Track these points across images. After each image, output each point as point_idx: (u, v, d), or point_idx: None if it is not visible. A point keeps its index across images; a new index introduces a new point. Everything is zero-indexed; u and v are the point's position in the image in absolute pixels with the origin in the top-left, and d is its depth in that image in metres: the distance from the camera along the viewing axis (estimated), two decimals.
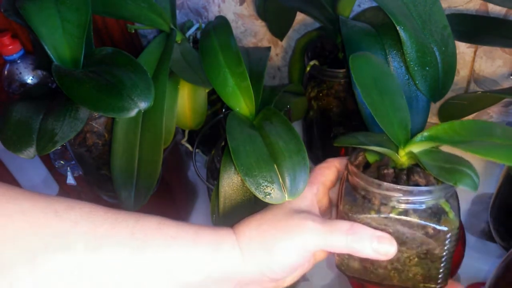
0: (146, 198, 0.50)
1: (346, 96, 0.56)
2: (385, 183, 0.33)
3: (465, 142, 0.32)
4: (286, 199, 0.38)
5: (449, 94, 0.49)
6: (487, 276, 0.44)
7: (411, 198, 0.33)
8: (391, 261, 0.35)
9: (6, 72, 0.62)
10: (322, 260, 0.38)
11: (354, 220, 0.34)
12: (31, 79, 0.62)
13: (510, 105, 0.64)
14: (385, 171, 0.35)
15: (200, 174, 0.51)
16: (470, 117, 0.67)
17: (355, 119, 0.57)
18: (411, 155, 0.35)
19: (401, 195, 0.33)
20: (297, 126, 0.66)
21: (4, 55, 0.60)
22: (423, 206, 0.33)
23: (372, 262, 0.36)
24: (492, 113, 0.66)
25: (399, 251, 0.33)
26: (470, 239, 0.50)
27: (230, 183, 0.43)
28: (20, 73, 0.61)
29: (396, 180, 0.34)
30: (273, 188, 0.38)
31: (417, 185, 0.34)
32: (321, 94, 0.57)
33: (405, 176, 0.35)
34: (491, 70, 0.62)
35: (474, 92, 0.64)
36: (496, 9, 0.57)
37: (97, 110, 0.46)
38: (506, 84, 0.62)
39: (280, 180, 0.38)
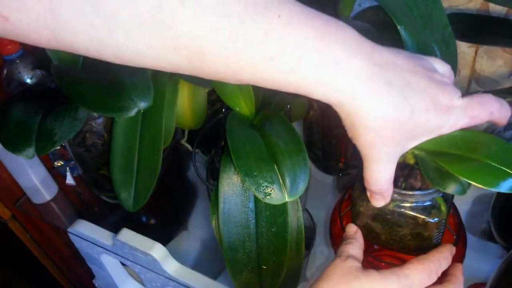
0: (145, 198, 0.50)
1: None
2: None
3: (454, 158, 0.33)
4: (286, 199, 0.38)
5: None
6: (488, 276, 0.44)
7: (406, 199, 0.38)
8: (390, 235, 0.40)
9: (5, 72, 0.62)
10: (322, 261, 0.38)
11: (361, 205, 0.40)
12: (30, 79, 0.62)
13: (510, 105, 0.64)
14: None
15: (200, 174, 0.51)
16: None
17: None
18: (415, 154, 0.37)
19: (397, 195, 0.38)
20: (297, 126, 0.65)
21: (3, 54, 0.60)
22: (418, 204, 0.38)
23: (377, 232, 0.42)
24: None
25: (396, 230, 0.38)
26: (471, 239, 0.50)
27: (230, 183, 0.43)
28: (19, 72, 0.61)
29: (395, 181, 0.36)
30: (273, 188, 0.38)
31: (414, 186, 0.38)
32: None
33: (402, 178, 0.38)
34: (492, 69, 0.61)
35: (475, 92, 0.64)
36: (497, 9, 0.57)
37: (96, 110, 0.46)
38: (507, 84, 0.62)
39: (280, 180, 0.38)
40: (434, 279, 0.35)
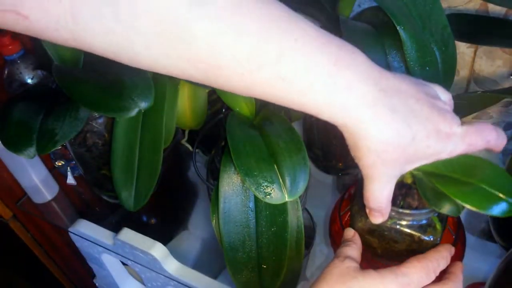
0: (146, 198, 0.50)
1: None
2: None
3: (450, 180, 0.35)
4: (286, 199, 0.38)
5: None
6: (487, 276, 0.44)
7: (403, 217, 0.40)
8: (387, 250, 0.41)
9: (6, 72, 0.62)
10: (321, 260, 0.38)
11: (359, 220, 0.41)
12: (32, 79, 0.62)
13: (510, 105, 0.64)
14: None
15: (200, 174, 0.51)
16: (470, 117, 0.67)
17: None
18: (413, 174, 0.38)
19: (395, 213, 0.40)
20: (297, 126, 0.66)
21: (5, 55, 0.60)
22: (414, 222, 0.40)
23: (374, 247, 0.42)
24: (492, 113, 0.66)
25: (392, 246, 0.38)
26: (470, 239, 0.50)
27: (230, 183, 0.43)
28: (21, 73, 0.61)
29: (393, 199, 0.38)
30: (273, 188, 0.38)
31: (411, 206, 0.40)
32: None
33: (400, 197, 0.40)
34: (491, 70, 0.62)
35: (474, 92, 0.64)
36: (496, 9, 0.57)
37: (97, 110, 0.46)
38: (506, 84, 0.62)
39: (280, 180, 0.38)
40: (432, 278, 0.36)
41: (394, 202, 0.39)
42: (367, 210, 0.37)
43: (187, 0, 0.26)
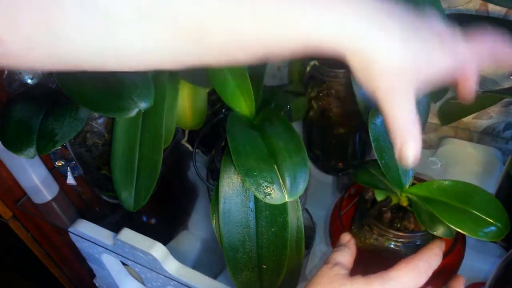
0: (146, 198, 0.50)
1: (346, 96, 0.56)
2: (381, 226, 0.43)
3: (443, 206, 0.39)
4: (286, 199, 0.38)
5: (449, 94, 0.49)
6: (487, 276, 0.44)
7: (400, 239, 0.43)
8: (385, 268, 0.41)
9: (6, 72, 0.62)
10: (321, 260, 0.38)
11: (359, 241, 0.43)
12: (31, 79, 0.62)
13: (510, 105, 0.64)
14: (384, 214, 0.44)
15: (200, 174, 0.51)
16: (470, 117, 0.67)
17: (355, 119, 0.57)
18: (409, 198, 0.42)
19: (392, 236, 0.42)
20: (297, 126, 0.66)
21: None
22: (410, 244, 0.42)
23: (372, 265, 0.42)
24: (492, 113, 0.66)
25: (390, 265, 0.39)
26: (470, 238, 0.50)
27: (230, 183, 0.43)
28: (20, 73, 0.61)
29: (391, 222, 0.41)
30: (273, 188, 0.38)
31: (408, 228, 0.43)
32: (321, 94, 0.57)
33: (398, 219, 0.43)
34: (491, 70, 0.61)
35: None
36: (496, 9, 0.57)
37: (97, 110, 0.46)
38: (506, 84, 0.62)
39: (280, 180, 0.38)
40: (424, 279, 0.35)
41: (392, 224, 0.43)
42: (397, 148, 0.29)
43: None
